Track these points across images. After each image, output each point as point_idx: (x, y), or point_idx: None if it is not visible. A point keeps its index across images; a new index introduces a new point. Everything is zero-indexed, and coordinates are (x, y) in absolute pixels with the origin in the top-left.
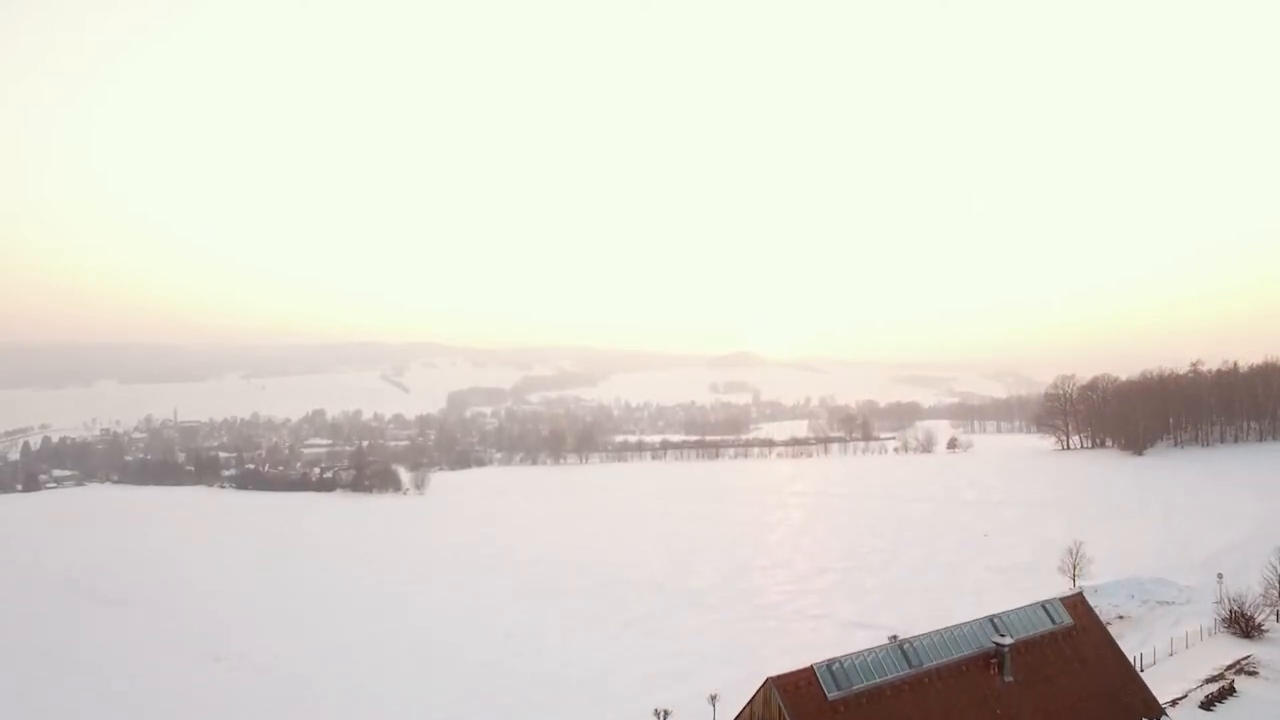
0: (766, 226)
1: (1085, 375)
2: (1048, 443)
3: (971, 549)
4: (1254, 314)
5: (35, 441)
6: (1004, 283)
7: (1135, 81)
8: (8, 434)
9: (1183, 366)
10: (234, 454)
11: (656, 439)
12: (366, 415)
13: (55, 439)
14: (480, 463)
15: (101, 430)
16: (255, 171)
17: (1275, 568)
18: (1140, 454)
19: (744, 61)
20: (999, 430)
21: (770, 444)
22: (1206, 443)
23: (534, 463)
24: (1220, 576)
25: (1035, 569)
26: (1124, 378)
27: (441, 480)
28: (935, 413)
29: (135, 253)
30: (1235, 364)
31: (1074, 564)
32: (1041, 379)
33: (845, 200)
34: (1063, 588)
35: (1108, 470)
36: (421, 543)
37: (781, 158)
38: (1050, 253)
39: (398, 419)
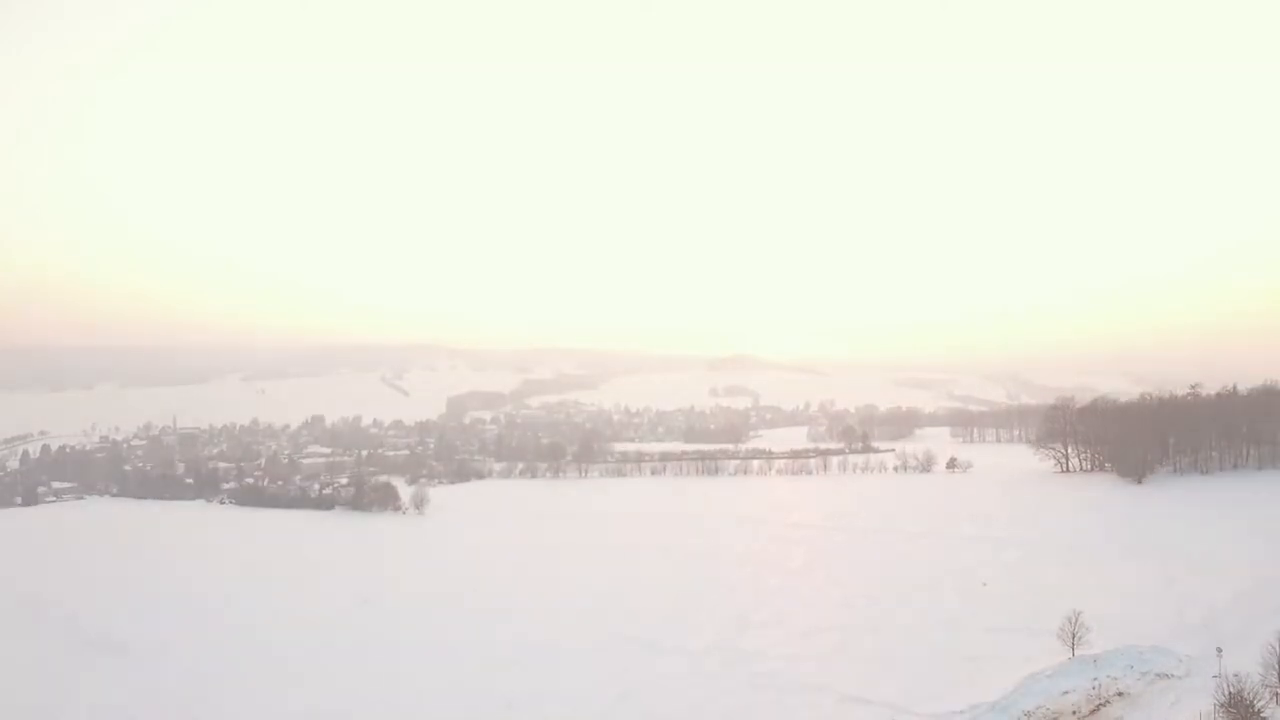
0: (767, 228)
1: (1085, 380)
2: (1047, 464)
3: (972, 603)
4: (1261, 319)
5: (34, 450)
6: (1005, 283)
7: (1148, 76)
8: (7, 441)
9: (1184, 382)
10: (233, 465)
11: (656, 448)
12: (366, 421)
13: (55, 446)
14: (479, 475)
15: (101, 438)
16: (255, 173)
17: (1275, 649)
18: (1139, 481)
19: (744, 64)
20: (998, 439)
21: (769, 455)
22: (1205, 469)
23: (533, 475)
24: (1220, 651)
25: (1034, 631)
26: (1123, 399)
27: (440, 497)
28: (935, 419)
29: (135, 254)
30: (1235, 387)
31: (1073, 633)
32: (1041, 382)
33: (846, 202)
34: (1062, 656)
35: (1107, 503)
36: (419, 580)
37: (782, 160)
38: (1053, 254)
39: (397, 425)
